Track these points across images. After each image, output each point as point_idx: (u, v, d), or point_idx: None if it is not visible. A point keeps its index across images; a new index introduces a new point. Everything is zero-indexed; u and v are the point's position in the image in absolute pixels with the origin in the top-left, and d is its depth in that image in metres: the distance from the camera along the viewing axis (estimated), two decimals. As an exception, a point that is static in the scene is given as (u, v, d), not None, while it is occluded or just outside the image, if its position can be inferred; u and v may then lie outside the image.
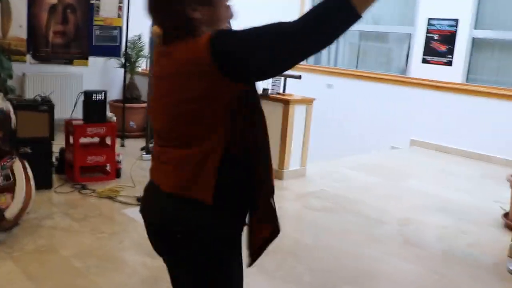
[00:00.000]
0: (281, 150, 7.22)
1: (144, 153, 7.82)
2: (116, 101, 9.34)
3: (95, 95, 6.63)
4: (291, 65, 1.88)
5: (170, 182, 2.11)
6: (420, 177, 7.95)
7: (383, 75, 10.68)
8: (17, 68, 8.14)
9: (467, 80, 9.69)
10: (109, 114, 6.87)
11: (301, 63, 10.29)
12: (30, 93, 8.38)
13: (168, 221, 2.11)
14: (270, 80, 7.37)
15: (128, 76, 9.30)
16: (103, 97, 6.67)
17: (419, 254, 5.13)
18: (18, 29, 8.14)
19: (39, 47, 8.31)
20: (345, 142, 10.46)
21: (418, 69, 10.15)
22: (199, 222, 2.06)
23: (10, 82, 7.67)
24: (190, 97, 1.95)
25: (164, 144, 2.14)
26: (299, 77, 7.29)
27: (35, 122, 6.15)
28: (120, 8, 8.61)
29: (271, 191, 2.17)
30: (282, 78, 7.34)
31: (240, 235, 2.19)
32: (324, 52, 12.18)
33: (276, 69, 1.93)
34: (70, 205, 5.88)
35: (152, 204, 2.22)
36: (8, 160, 4.95)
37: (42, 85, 8.72)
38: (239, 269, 2.21)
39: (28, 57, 8.28)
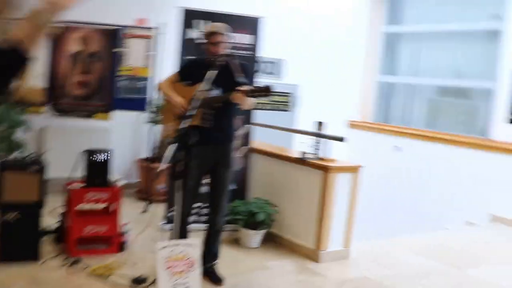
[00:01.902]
0: (318, 227, 6.52)
1: (164, 222, 7.27)
2: (145, 160, 8.90)
3: (96, 154, 6.18)
4: None
5: None
6: (496, 264, 7.04)
7: (461, 137, 9.90)
8: (35, 120, 7.87)
9: None
10: (115, 176, 6.39)
11: (369, 121, 9.92)
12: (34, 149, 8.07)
13: None
14: (310, 142, 6.79)
15: (160, 132, 8.87)
16: (106, 157, 6.20)
17: None
18: (36, 77, 7.88)
19: (59, 98, 8.02)
20: (411, 216, 9.69)
21: (503, 130, 9.30)
22: None
23: (26, 137, 7.40)
24: None
25: None
26: (341, 139, 6.68)
27: (24, 184, 5.72)
28: (148, 57, 8.24)
29: None
30: (324, 140, 6.73)
31: None
32: (394, 109, 11.66)
33: None
34: (49, 285, 5.34)
35: None
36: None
37: (63, 141, 8.39)
38: None
39: (46, 109, 7.99)
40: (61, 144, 8.23)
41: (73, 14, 7.82)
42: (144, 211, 8.00)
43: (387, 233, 8.29)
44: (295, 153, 7.06)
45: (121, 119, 8.70)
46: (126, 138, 9.16)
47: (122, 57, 8.19)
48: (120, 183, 6.35)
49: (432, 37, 11.33)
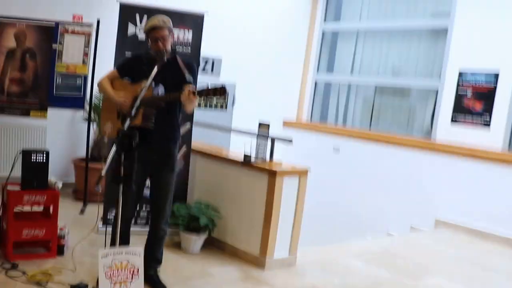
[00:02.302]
0: (263, 232, 6.36)
1: (101, 224, 7.02)
2: (82, 159, 8.61)
3: (34, 155, 5.87)
4: None
5: None
6: (445, 273, 6.93)
7: (403, 138, 9.92)
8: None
9: (509, 146, 8.81)
10: (52, 179, 6.10)
11: (304, 120, 9.85)
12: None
13: None
14: (253, 144, 6.61)
15: (97, 131, 8.64)
16: (44, 159, 5.91)
17: None
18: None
19: (-8, 95, 7.70)
20: (353, 221, 9.61)
21: (447, 131, 9.32)
22: None
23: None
24: None
25: None
26: (290, 141, 6.53)
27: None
28: (85, 53, 7.95)
29: None
30: (269, 142, 6.56)
31: None
32: (332, 108, 11.55)
33: None
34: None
35: None
36: None
37: (-2, 139, 8.14)
38: None
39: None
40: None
41: (8, 9, 7.58)
42: (82, 212, 7.78)
43: (331, 239, 8.19)
44: (238, 155, 6.87)
45: (56, 117, 8.39)
46: (62, 136, 8.91)
47: (59, 53, 7.86)
48: (59, 185, 6.07)
49: (371, 35, 11.29)
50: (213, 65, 9.84)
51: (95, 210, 7.47)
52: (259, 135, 6.61)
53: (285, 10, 11.32)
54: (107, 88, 5.33)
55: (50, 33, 7.80)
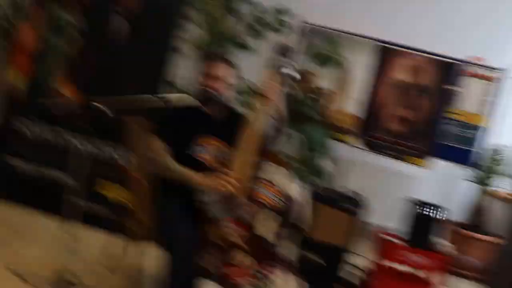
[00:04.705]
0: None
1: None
2: (459, 225, 7.41)
3: (430, 209, 4.93)
4: None
5: None
6: None
7: None
8: (339, 149, 6.93)
9: None
10: (442, 241, 5.00)
11: None
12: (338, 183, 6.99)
13: None
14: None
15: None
16: (440, 216, 4.93)
17: None
18: (350, 102, 6.76)
19: (371, 130, 6.80)
20: None
21: None
22: None
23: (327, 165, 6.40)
24: None
25: None
26: None
27: (331, 222, 4.75)
28: (485, 102, 6.75)
29: None
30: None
31: None
32: None
33: None
34: None
35: None
36: (268, 269, 3.21)
37: (366, 180, 7.22)
38: None
39: (353, 139, 6.81)
40: (364, 183, 7.07)
41: (403, 37, 6.67)
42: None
43: None
44: None
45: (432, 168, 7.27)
46: (432, 191, 7.71)
47: (455, 97, 6.76)
48: (447, 250, 4.94)
49: None
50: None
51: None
52: None
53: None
54: None
55: (447, 72, 6.75)
